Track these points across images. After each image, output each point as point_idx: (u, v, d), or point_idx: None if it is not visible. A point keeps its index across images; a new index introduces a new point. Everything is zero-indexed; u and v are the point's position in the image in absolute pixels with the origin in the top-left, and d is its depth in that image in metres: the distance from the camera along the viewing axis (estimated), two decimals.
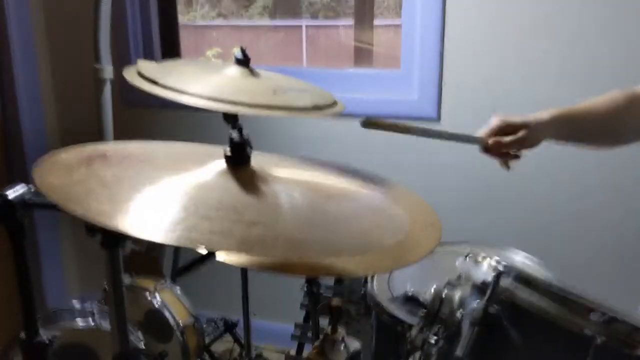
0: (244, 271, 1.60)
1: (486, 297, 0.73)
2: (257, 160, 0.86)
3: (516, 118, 1.18)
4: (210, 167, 0.83)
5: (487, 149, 1.18)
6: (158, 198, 0.74)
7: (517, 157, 1.20)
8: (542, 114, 1.19)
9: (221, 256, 1.00)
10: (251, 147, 0.86)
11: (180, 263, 2.08)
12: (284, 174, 0.90)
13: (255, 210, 0.75)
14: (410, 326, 1.13)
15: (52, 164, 0.80)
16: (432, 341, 0.81)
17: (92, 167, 0.79)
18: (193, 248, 0.67)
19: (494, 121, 1.19)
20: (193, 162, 0.84)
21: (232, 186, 0.79)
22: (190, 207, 0.72)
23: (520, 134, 1.15)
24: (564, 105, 1.84)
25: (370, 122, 1.13)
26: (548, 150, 1.85)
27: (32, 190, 0.92)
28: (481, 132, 1.20)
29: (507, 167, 1.22)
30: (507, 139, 1.16)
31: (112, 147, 0.89)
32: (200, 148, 0.99)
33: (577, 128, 1.24)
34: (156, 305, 1.77)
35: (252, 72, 1.38)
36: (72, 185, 0.73)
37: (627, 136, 1.26)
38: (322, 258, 0.75)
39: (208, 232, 0.67)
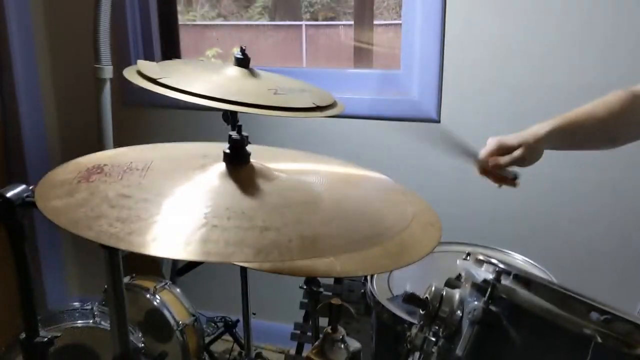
0: (243, 271, 1.61)
1: (486, 297, 0.73)
2: (254, 154, 0.86)
3: (512, 138, 1.18)
4: (210, 169, 0.83)
5: (485, 171, 1.18)
6: (166, 212, 0.73)
7: (514, 182, 1.20)
8: (539, 129, 1.18)
9: None
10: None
11: (179, 263, 2.08)
12: (286, 168, 0.90)
13: (264, 214, 0.75)
14: (410, 325, 1.13)
15: (51, 185, 0.79)
16: (432, 340, 0.81)
17: (92, 183, 0.79)
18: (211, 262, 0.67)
19: (490, 143, 1.19)
20: (191, 166, 0.84)
21: (235, 188, 0.79)
22: (200, 218, 0.71)
23: (517, 153, 1.15)
24: (564, 105, 1.84)
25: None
26: (547, 151, 1.85)
27: (32, 190, 0.92)
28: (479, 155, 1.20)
29: (509, 183, 1.22)
30: (505, 158, 1.16)
31: (108, 159, 0.88)
32: (195, 148, 0.99)
33: (576, 135, 1.24)
34: (156, 305, 1.78)
35: (252, 72, 1.38)
36: (77, 207, 0.73)
37: (629, 135, 1.26)
38: (336, 254, 0.75)
39: (223, 244, 0.67)
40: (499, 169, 1.17)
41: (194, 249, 0.66)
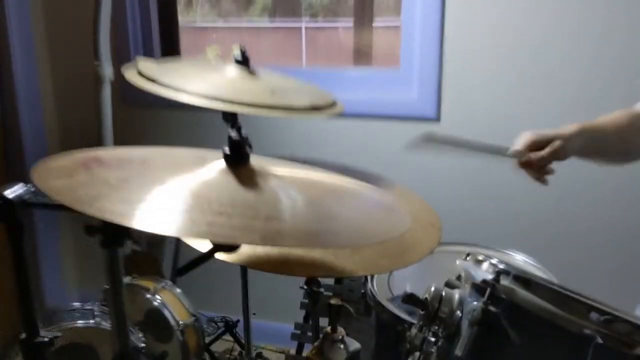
0: (243, 271, 1.60)
1: (486, 297, 0.73)
2: (254, 160, 0.86)
3: (548, 131, 1.20)
4: (210, 167, 0.83)
5: (527, 164, 1.20)
6: (169, 196, 0.73)
7: (551, 171, 1.23)
8: (569, 127, 1.21)
9: (221, 255, 1.00)
10: (250, 147, 0.86)
11: (180, 263, 2.08)
12: (283, 173, 0.90)
13: (269, 207, 0.76)
14: (410, 325, 1.13)
15: (49, 169, 0.79)
16: (432, 340, 0.81)
17: (91, 170, 0.79)
18: (215, 242, 0.66)
19: (527, 137, 1.20)
20: (192, 163, 0.84)
21: (237, 185, 0.79)
22: (205, 205, 0.71)
23: (556, 144, 1.18)
24: (564, 104, 1.84)
25: (429, 138, 1.16)
26: None
27: (32, 189, 0.92)
28: (515, 148, 1.22)
29: (544, 181, 1.24)
30: (546, 151, 1.18)
31: (106, 153, 0.88)
32: (195, 152, 0.98)
33: (598, 143, 1.26)
34: (156, 305, 1.77)
35: (252, 72, 1.38)
36: (77, 187, 0.72)
37: (634, 154, 1.28)
38: (340, 246, 0.75)
39: (229, 228, 0.67)
40: (542, 162, 1.19)
41: (201, 230, 0.66)
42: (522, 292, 0.73)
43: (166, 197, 0.73)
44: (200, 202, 0.72)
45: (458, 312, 0.78)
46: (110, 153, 0.89)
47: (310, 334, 1.64)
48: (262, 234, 0.68)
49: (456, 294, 0.80)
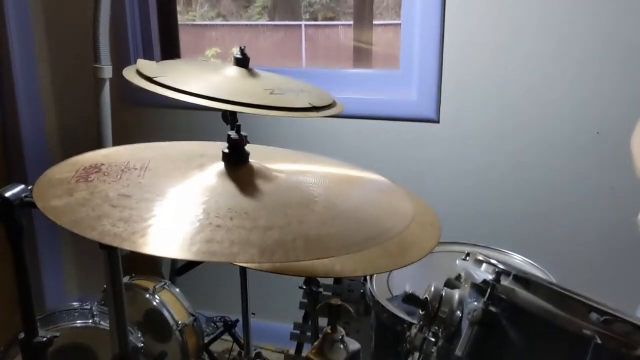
0: (242, 271, 1.60)
1: (486, 297, 0.73)
2: (252, 153, 0.86)
3: None
4: (210, 169, 0.82)
5: None
6: (168, 212, 0.73)
7: None
8: None
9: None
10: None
11: (179, 263, 2.08)
12: (282, 168, 0.90)
13: (266, 213, 0.75)
14: (410, 325, 1.13)
15: (49, 184, 0.79)
16: (432, 341, 0.81)
17: (91, 182, 0.78)
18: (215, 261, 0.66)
19: None
20: (191, 165, 0.83)
21: (236, 188, 0.79)
22: (203, 218, 0.71)
23: None
24: (565, 104, 1.84)
25: None
26: (545, 151, 1.85)
27: (31, 189, 0.92)
28: None
29: None
30: None
31: (105, 158, 0.88)
32: (191, 147, 0.98)
33: None
34: (155, 305, 1.78)
35: (251, 72, 1.38)
36: (77, 208, 0.72)
37: None
38: (339, 253, 0.75)
39: (228, 244, 0.66)
40: None
41: (200, 249, 0.66)
42: (522, 292, 0.72)
43: (165, 212, 0.72)
44: (199, 213, 0.72)
45: (458, 312, 0.78)
46: (108, 157, 0.89)
47: (309, 333, 1.64)
48: (261, 247, 0.67)
49: (456, 294, 0.80)
